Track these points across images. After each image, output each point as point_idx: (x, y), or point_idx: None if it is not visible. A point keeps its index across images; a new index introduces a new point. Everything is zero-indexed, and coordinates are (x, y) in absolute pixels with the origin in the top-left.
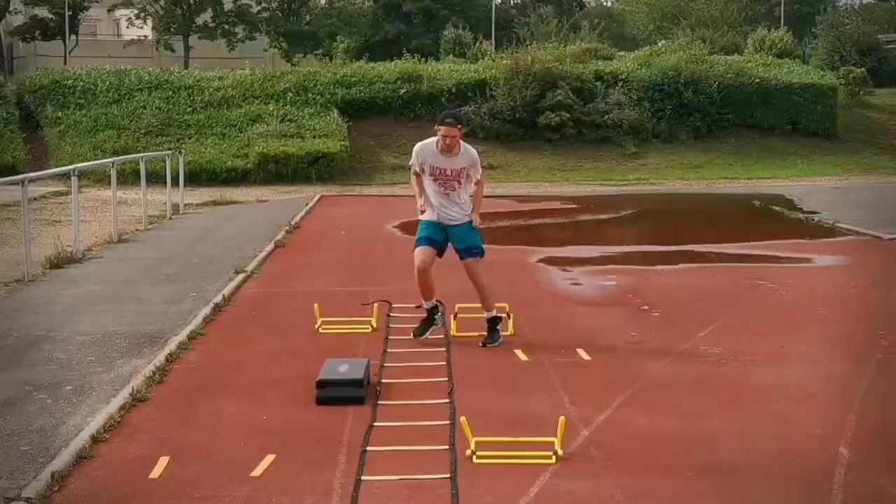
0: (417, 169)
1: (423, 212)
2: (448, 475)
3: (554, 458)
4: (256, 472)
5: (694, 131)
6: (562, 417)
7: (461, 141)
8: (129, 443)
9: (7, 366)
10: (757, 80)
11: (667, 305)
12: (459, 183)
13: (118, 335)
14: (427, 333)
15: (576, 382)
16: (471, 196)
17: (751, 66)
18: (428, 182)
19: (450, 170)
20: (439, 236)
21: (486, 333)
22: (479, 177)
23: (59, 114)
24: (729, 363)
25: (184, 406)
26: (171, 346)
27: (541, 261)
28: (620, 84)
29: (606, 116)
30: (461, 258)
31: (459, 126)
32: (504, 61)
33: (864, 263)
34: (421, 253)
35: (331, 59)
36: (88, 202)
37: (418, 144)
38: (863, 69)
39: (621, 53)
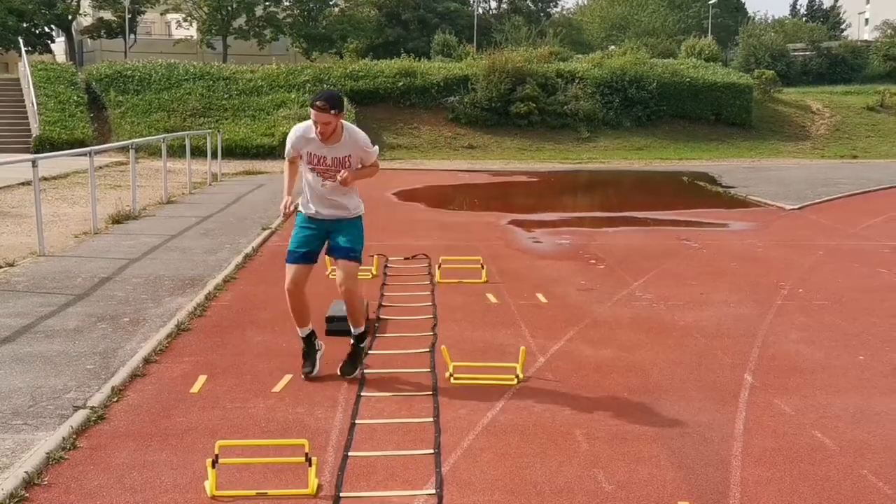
0: (290, 155)
1: (286, 214)
2: (431, 392)
3: (516, 380)
4: (276, 388)
5: (636, 120)
6: (522, 348)
7: (343, 122)
8: (175, 364)
9: (76, 301)
10: (688, 80)
11: (610, 260)
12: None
13: (166, 278)
14: (316, 368)
15: (535, 320)
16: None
17: (683, 67)
18: (306, 171)
19: (330, 159)
20: (317, 244)
21: (347, 355)
22: (373, 160)
23: (120, 98)
24: (658, 306)
25: (219, 335)
26: (209, 288)
27: (510, 223)
28: (577, 81)
29: (565, 107)
30: (335, 257)
31: (333, 112)
32: (483, 61)
33: (769, 228)
34: (293, 272)
35: (342, 56)
36: (143, 171)
37: (295, 127)
38: (773, 71)
39: (579, 56)
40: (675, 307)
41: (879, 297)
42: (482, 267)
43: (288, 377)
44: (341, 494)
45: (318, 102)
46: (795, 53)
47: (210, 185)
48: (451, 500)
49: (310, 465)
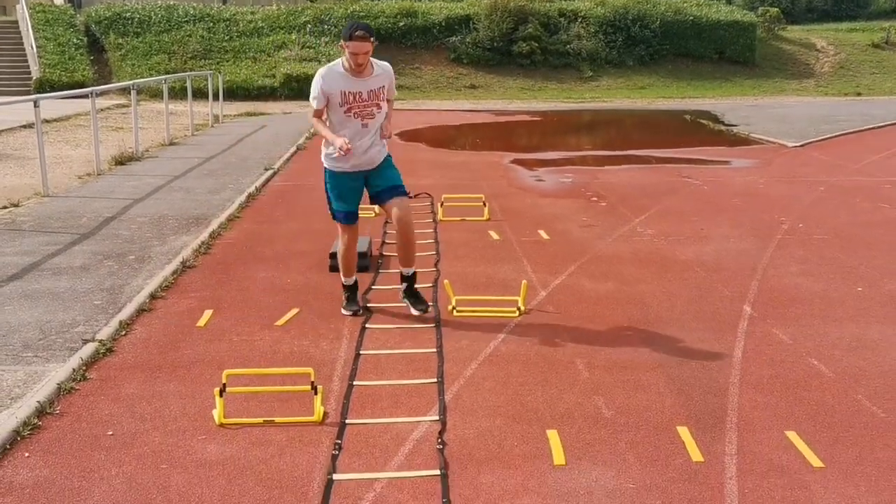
0: (321, 105)
1: (346, 150)
2: (433, 325)
3: (517, 312)
4: (281, 322)
5: (639, 59)
6: (524, 281)
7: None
8: (181, 300)
9: (81, 240)
10: (691, 18)
11: (612, 197)
12: (379, 107)
13: (170, 217)
14: (361, 307)
15: (537, 256)
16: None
17: (686, 5)
18: (337, 119)
19: (366, 92)
20: (359, 198)
21: (406, 297)
22: (394, 94)
23: (120, 40)
24: (659, 242)
25: (224, 272)
26: (213, 226)
27: (512, 162)
28: (580, 20)
29: (568, 46)
30: (384, 200)
31: (372, 39)
32: (485, 0)
33: (771, 165)
34: (348, 232)
35: None
36: (145, 113)
37: (321, 71)
38: (778, 9)
39: None
40: (675, 242)
41: (880, 231)
42: (484, 205)
43: (293, 311)
44: (346, 421)
45: (357, 32)
46: None
47: (212, 126)
48: (454, 426)
49: (315, 393)
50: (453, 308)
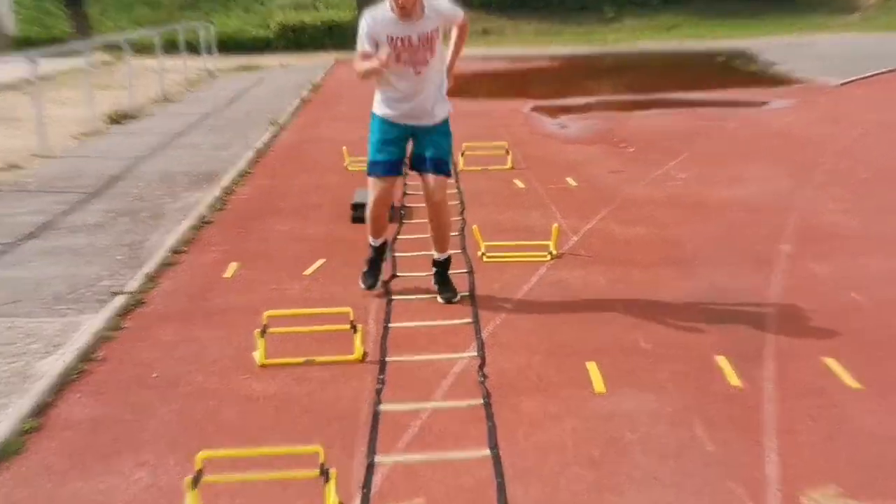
0: (369, 49)
1: (385, 62)
2: (466, 270)
3: (549, 256)
4: (308, 272)
5: None
6: (555, 225)
7: None
8: (203, 253)
9: (91, 199)
10: None
11: (641, 143)
12: (432, 52)
13: (179, 174)
14: (379, 282)
15: (565, 202)
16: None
17: None
18: (389, 66)
19: (416, 37)
20: (401, 152)
21: (436, 284)
22: (461, 19)
23: None
24: (692, 185)
25: (243, 226)
26: (225, 182)
27: (533, 109)
28: None
29: None
30: (423, 169)
31: None
32: None
33: (810, 105)
34: (379, 187)
35: None
36: (132, 70)
37: (364, 16)
38: None
39: None
40: (709, 185)
41: None
42: (507, 153)
43: (320, 261)
44: (387, 359)
45: None
46: None
47: (207, 81)
48: (493, 361)
49: (355, 331)
50: (483, 254)
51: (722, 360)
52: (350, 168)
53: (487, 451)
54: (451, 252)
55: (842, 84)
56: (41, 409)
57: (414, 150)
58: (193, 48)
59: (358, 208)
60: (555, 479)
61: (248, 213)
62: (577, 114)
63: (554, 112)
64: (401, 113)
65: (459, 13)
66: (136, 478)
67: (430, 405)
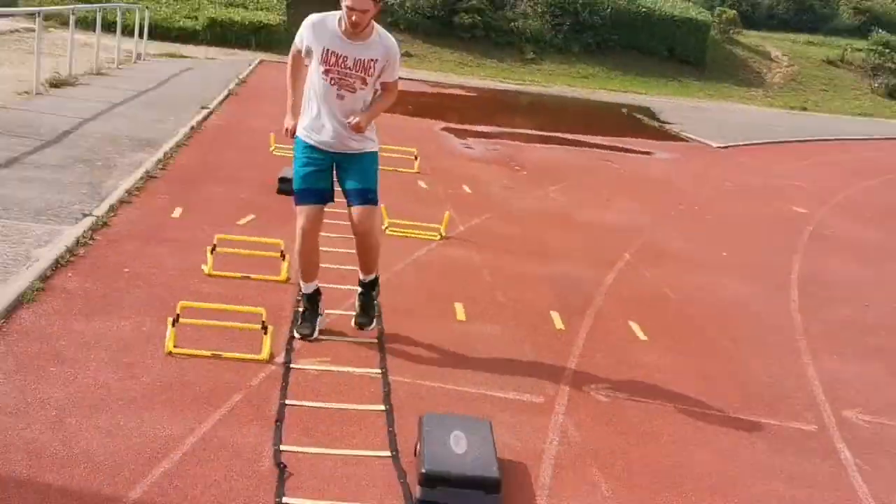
0: (302, 48)
1: (291, 131)
2: None
3: (439, 236)
4: (241, 222)
5: (585, 46)
6: (447, 212)
7: (375, 24)
8: (152, 198)
9: (48, 145)
10: (644, 9)
11: (533, 169)
12: (365, 82)
13: (124, 137)
14: (316, 331)
15: (459, 203)
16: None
17: None
18: (315, 77)
19: (352, 60)
20: (326, 181)
21: (358, 306)
22: (393, 80)
23: None
24: (568, 205)
25: (185, 183)
26: (165, 148)
27: (443, 129)
28: None
29: (513, 24)
30: (349, 202)
31: (377, 0)
32: None
33: (689, 161)
34: (305, 213)
35: None
36: (60, 41)
37: (312, 16)
38: (735, 11)
39: None
40: (582, 207)
41: (766, 220)
42: (416, 158)
43: (251, 216)
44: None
45: None
46: None
47: (135, 63)
48: (385, 299)
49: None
50: (386, 228)
51: (554, 314)
52: (276, 153)
53: (378, 369)
54: (377, 274)
55: (722, 147)
56: (44, 278)
57: (339, 182)
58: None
59: (284, 181)
60: (421, 362)
61: (187, 176)
62: (483, 138)
63: (462, 134)
64: (320, 138)
65: (397, 73)
66: (123, 325)
67: (335, 312)
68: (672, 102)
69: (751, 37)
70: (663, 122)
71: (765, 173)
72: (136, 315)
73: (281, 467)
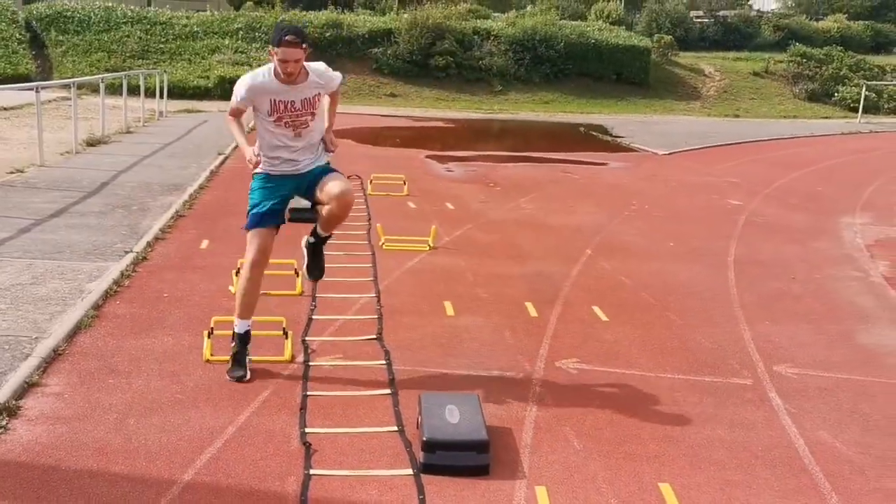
0: (242, 105)
1: (256, 160)
2: (369, 252)
3: (428, 247)
4: None
5: (544, 77)
6: (434, 226)
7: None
8: (183, 233)
9: (89, 196)
10: (593, 41)
11: (506, 185)
12: (313, 116)
13: (154, 184)
14: (248, 372)
15: (443, 218)
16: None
17: (589, 30)
18: (265, 126)
19: (300, 101)
20: (282, 200)
21: (308, 256)
22: (336, 86)
23: (61, 37)
24: (537, 213)
25: (209, 220)
26: (190, 190)
27: (427, 157)
28: (492, 38)
29: (481, 62)
30: (317, 184)
31: (304, 46)
32: (405, 15)
33: (639, 167)
34: (259, 238)
35: (272, 6)
36: (92, 106)
37: (245, 77)
38: (671, 36)
39: (496, 14)
40: (549, 214)
41: (705, 212)
42: (405, 183)
43: None
44: (318, 295)
45: (287, 37)
46: (696, 20)
47: (158, 119)
48: (386, 299)
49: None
50: (383, 243)
51: (529, 304)
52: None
53: (383, 361)
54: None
55: (666, 154)
56: (97, 307)
57: (305, 193)
58: (136, 92)
59: (294, 211)
60: (418, 352)
61: (210, 212)
62: (461, 162)
63: (444, 160)
64: (280, 171)
65: (336, 80)
66: (166, 340)
67: (343, 317)
68: (622, 119)
69: (687, 57)
70: (615, 137)
71: (704, 173)
72: (177, 331)
73: (307, 446)
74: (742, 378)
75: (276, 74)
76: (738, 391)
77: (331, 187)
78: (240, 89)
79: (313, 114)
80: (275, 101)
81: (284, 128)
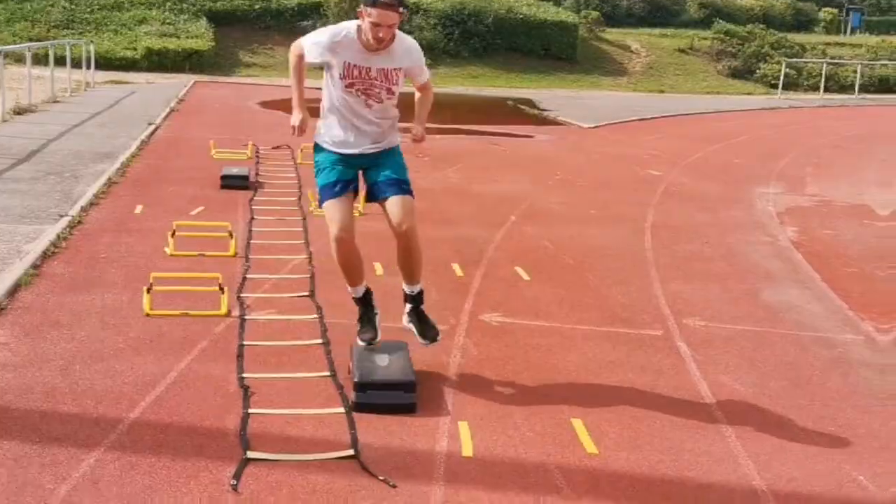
0: (314, 58)
1: (300, 129)
2: (301, 218)
3: (358, 213)
4: (194, 212)
5: (474, 51)
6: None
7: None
8: (116, 199)
9: (20, 163)
10: (521, 16)
11: (435, 155)
12: (391, 92)
13: (84, 153)
14: (379, 334)
15: None
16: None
17: (518, 4)
18: (336, 90)
19: (375, 70)
20: (352, 175)
21: (410, 321)
22: (426, 80)
23: None
24: (462, 182)
25: (142, 187)
26: (121, 159)
27: None
28: (422, 12)
29: (410, 35)
30: (382, 195)
31: (401, 10)
32: None
33: (564, 140)
34: (338, 212)
35: None
36: (15, 76)
37: (332, 28)
38: (598, 12)
39: None
40: (475, 182)
41: (627, 181)
42: None
43: (200, 208)
44: (247, 276)
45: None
46: None
47: (85, 90)
48: (317, 262)
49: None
50: (313, 209)
51: (455, 265)
52: (216, 157)
53: (315, 315)
54: (421, 286)
55: (592, 127)
56: (36, 266)
57: (367, 180)
58: (62, 62)
59: (225, 178)
60: (350, 308)
61: (143, 180)
62: None
63: None
64: (349, 151)
65: (426, 73)
66: (106, 297)
67: (277, 276)
68: (550, 93)
69: (613, 33)
70: (542, 110)
71: (627, 145)
72: (116, 289)
73: (245, 388)
74: (653, 329)
75: (360, 37)
76: (649, 341)
77: (392, 214)
78: (321, 36)
79: (390, 91)
80: (349, 63)
81: (357, 96)
